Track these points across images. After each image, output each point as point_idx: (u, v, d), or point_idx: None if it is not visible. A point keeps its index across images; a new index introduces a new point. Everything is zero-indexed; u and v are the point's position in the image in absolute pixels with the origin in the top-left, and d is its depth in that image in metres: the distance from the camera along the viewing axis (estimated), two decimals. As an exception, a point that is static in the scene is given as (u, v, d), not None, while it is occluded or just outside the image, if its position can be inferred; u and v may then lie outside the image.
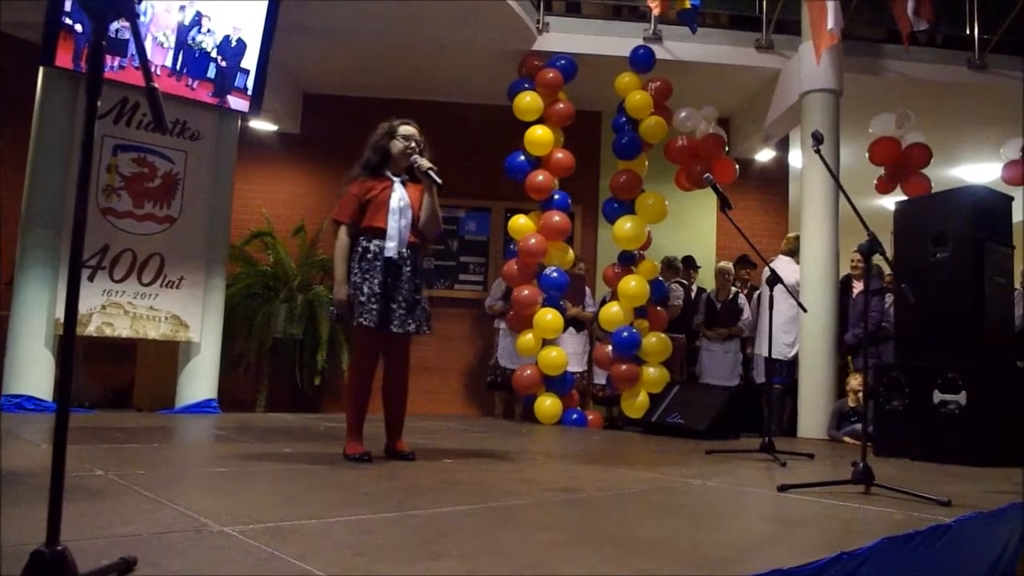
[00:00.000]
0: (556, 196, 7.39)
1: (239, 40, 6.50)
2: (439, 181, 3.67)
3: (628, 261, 7.36)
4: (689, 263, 8.23)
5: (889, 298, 7.02)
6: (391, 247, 3.65)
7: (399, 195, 3.71)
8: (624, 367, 7.05)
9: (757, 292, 7.82)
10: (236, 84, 6.55)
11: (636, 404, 7.05)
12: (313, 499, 2.67)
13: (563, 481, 3.46)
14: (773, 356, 6.38)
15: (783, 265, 7.09)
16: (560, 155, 7.42)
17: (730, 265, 7.77)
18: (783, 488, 3.19)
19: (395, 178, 3.75)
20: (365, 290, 3.57)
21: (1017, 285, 6.55)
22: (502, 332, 7.71)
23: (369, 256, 3.62)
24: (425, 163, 3.68)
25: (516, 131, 7.41)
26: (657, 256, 7.73)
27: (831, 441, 6.41)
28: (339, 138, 8.57)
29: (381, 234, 3.65)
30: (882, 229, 3.98)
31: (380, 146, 3.75)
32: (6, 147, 6.76)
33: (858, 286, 7.15)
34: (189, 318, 6.41)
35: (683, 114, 7.45)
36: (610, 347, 7.16)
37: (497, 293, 7.82)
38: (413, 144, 3.74)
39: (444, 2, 6.99)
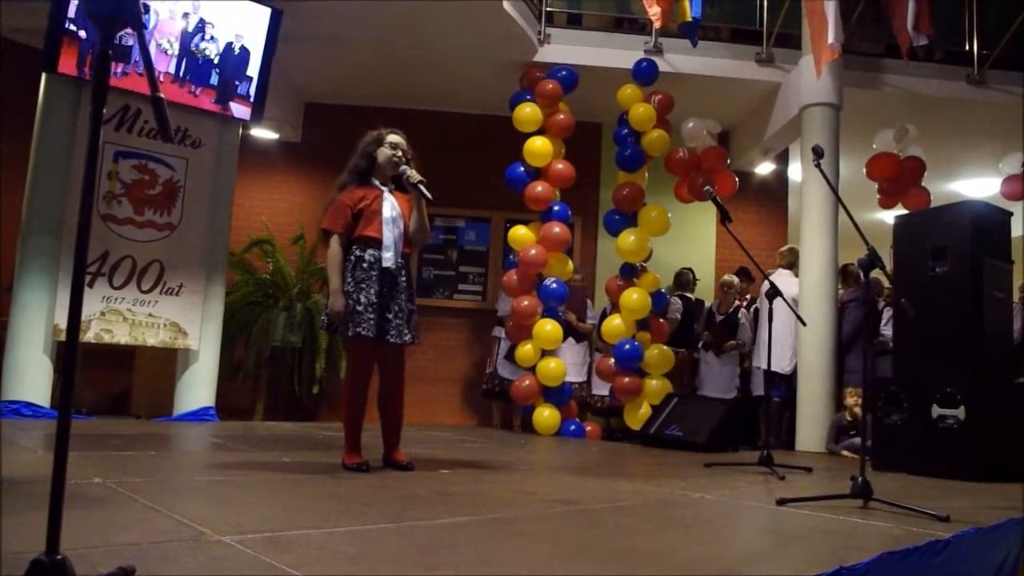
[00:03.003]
0: (556, 207, 7.41)
1: (242, 48, 6.52)
2: (429, 196, 3.65)
3: (630, 273, 7.37)
4: (692, 276, 8.25)
5: (887, 313, 7.04)
6: (388, 257, 3.64)
7: (391, 204, 3.70)
8: (627, 379, 7.05)
9: (754, 305, 7.83)
10: (238, 92, 6.57)
11: (639, 416, 7.04)
12: (311, 509, 2.67)
13: (561, 493, 3.46)
14: (772, 369, 6.39)
15: (782, 279, 7.10)
16: (560, 166, 7.44)
17: (734, 278, 7.78)
18: (781, 502, 3.19)
19: (383, 187, 3.75)
20: (362, 300, 3.56)
21: (1015, 300, 6.57)
22: (502, 342, 7.69)
23: (364, 266, 3.61)
24: (415, 175, 3.67)
25: (517, 142, 7.43)
26: (657, 268, 7.74)
27: (829, 455, 6.40)
28: (340, 147, 8.48)
29: (375, 244, 3.64)
30: (882, 243, 3.99)
31: (368, 153, 3.75)
32: (7, 153, 6.76)
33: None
34: (188, 325, 6.40)
35: (691, 124, 7.47)
36: (612, 359, 7.16)
37: (507, 306, 7.75)
38: (400, 153, 3.74)
39: (446, 12, 7.01)
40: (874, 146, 7.71)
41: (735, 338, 7.55)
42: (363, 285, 3.58)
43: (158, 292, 6.26)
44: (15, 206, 6.06)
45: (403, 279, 3.70)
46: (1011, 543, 2.85)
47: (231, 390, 7.45)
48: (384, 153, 3.73)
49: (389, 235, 3.65)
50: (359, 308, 3.55)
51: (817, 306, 6.90)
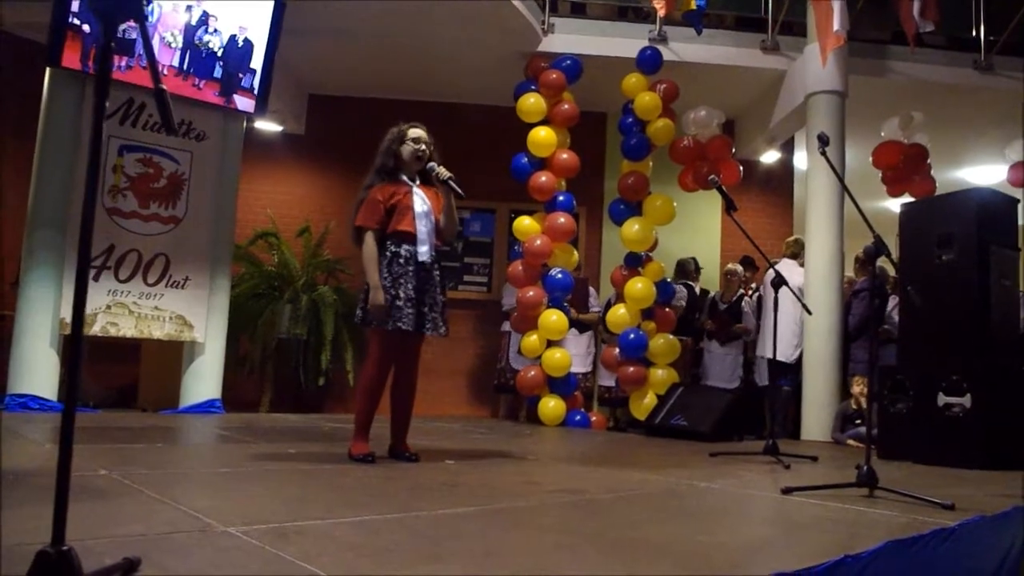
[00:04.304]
0: (561, 197, 7.39)
1: (245, 40, 6.51)
2: (460, 192, 3.70)
3: (635, 263, 7.36)
4: (695, 265, 8.24)
5: (892, 301, 7.04)
6: (424, 251, 3.68)
7: (421, 199, 3.74)
8: (631, 369, 7.05)
9: (756, 293, 7.81)
10: (242, 84, 6.56)
11: (644, 406, 7.03)
12: (317, 500, 2.68)
13: (567, 483, 3.47)
14: (777, 358, 6.39)
15: (787, 268, 7.08)
16: (564, 156, 7.42)
17: (738, 267, 7.77)
18: (787, 491, 3.19)
19: (411, 182, 3.77)
20: (401, 295, 3.59)
21: (1022, 288, 6.54)
22: (512, 335, 7.69)
23: (401, 261, 3.64)
24: (445, 172, 3.70)
25: (522, 132, 7.41)
26: (662, 257, 7.72)
27: (835, 444, 6.39)
28: (344, 139, 8.62)
29: (409, 238, 3.67)
30: (888, 231, 3.97)
31: (392, 151, 3.77)
32: (12, 147, 6.77)
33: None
34: (194, 318, 6.42)
35: (703, 112, 7.43)
36: (617, 349, 7.15)
37: (515, 296, 7.72)
38: (423, 147, 3.76)
39: (449, 3, 6.98)
40: (882, 134, 7.68)
41: (743, 325, 7.54)
42: (401, 280, 3.61)
43: (164, 285, 6.28)
44: (21, 201, 6.07)
45: (436, 272, 3.75)
46: (1016, 531, 2.85)
47: (237, 382, 7.47)
48: (407, 150, 3.76)
49: (423, 229, 3.70)
50: (398, 303, 3.58)
51: (822, 295, 6.87)
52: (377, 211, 3.66)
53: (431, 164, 3.74)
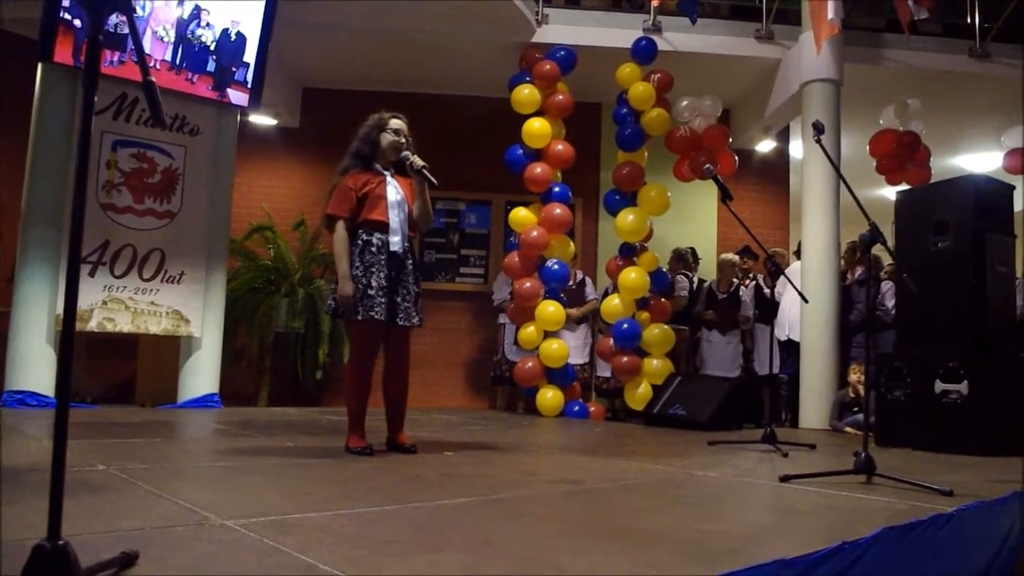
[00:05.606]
0: (556, 188, 7.38)
1: (238, 34, 6.48)
2: (435, 182, 3.66)
3: (629, 253, 7.36)
4: (692, 255, 8.24)
5: (885, 286, 7.05)
6: (396, 241, 3.65)
7: (394, 188, 3.71)
8: (625, 359, 7.05)
9: (753, 283, 7.80)
10: (236, 78, 6.54)
11: (638, 396, 7.04)
12: (315, 492, 2.67)
13: (565, 473, 3.47)
14: (790, 337, 6.43)
15: (800, 267, 7.13)
16: (560, 147, 7.41)
17: (735, 257, 7.77)
18: (785, 478, 3.19)
19: (385, 171, 3.75)
20: (373, 284, 3.57)
21: (1019, 274, 6.55)
22: (507, 327, 7.70)
23: (372, 250, 3.61)
24: (419, 161, 3.67)
25: (518, 123, 7.40)
26: (659, 248, 7.72)
27: (833, 432, 6.40)
28: (339, 132, 8.46)
29: (382, 227, 3.64)
30: (883, 219, 3.97)
31: (370, 138, 3.74)
32: (6, 144, 6.74)
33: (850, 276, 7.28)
34: (190, 313, 6.41)
35: (707, 102, 7.41)
36: (612, 339, 7.16)
37: (505, 290, 7.75)
38: (402, 139, 3.74)
39: (443, -6, 6.96)
40: (880, 122, 7.67)
41: (741, 314, 7.55)
42: (373, 269, 3.59)
43: (159, 280, 6.26)
44: (15, 197, 6.05)
45: (410, 262, 3.72)
46: (1014, 516, 2.85)
47: (235, 377, 7.48)
48: (387, 138, 3.73)
49: (395, 219, 3.67)
50: (370, 292, 3.56)
51: (818, 283, 6.87)
52: (349, 199, 3.63)
53: (405, 153, 3.71)
